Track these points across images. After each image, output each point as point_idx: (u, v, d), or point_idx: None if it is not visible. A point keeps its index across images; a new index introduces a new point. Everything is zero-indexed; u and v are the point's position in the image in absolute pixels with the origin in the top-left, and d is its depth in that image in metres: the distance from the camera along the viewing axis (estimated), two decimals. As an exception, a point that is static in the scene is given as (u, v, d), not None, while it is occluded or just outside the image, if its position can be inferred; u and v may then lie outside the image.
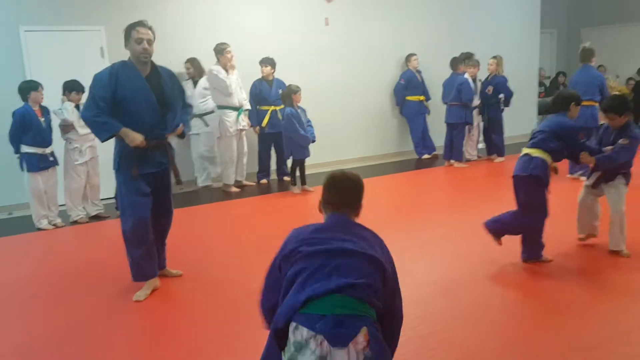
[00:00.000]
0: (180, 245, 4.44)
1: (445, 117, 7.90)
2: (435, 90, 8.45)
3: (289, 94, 6.27)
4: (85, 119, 3.41)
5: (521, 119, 9.91)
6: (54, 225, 5.51)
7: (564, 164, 4.85)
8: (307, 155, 6.46)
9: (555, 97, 4.04)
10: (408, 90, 8.44)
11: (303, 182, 6.56)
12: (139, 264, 3.56)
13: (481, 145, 8.47)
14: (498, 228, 3.93)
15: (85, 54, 6.44)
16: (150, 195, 3.57)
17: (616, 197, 3.95)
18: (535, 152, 3.77)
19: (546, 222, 3.85)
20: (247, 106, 6.76)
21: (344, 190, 2.12)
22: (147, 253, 3.55)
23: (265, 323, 2.10)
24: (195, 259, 4.31)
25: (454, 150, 7.81)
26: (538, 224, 3.83)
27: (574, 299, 3.35)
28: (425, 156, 8.56)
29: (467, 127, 7.90)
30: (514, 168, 3.92)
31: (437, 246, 4.41)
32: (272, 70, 6.87)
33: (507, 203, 4.11)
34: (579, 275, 3.74)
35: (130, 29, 3.44)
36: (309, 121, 6.50)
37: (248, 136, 7.03)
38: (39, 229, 5.43)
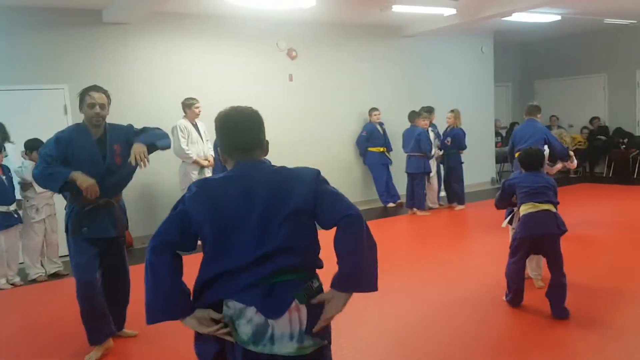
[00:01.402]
0: (136, 303, 4.37)
1: (405, 166, 8.13)
2: (397, 141, 8.72)
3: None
4: (35, 176, 3.40)
5: (480, 168, 10.29)
6: (12, 284, 5.37)
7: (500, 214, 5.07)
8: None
9: (529, 156, 4.13)
10: (370, 142, 8.72)
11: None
12: (90, 326, 3.50)
13: (443, 194, 8.70)
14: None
15: (49, 112, 6.48)
16: (98, 256, 3.53)
17: None
18: (553, 208, 3.86)
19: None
20: (210, 159, 6.84)
21: (247, 130, 1.91)
22: (95, 315, 3.47)
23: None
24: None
25: (415, 199, 8.00)
26: None
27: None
28: (390, 204, 8.73)
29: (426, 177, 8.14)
30: (531, 226, 3.82)
31: (405, 294, 4.48)
32: None
33: (470, 253, 4.20)
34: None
35: (84, 94, 3.46)
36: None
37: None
38: (-2, 289, 5.29)
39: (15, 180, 5.46)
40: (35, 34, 6.49)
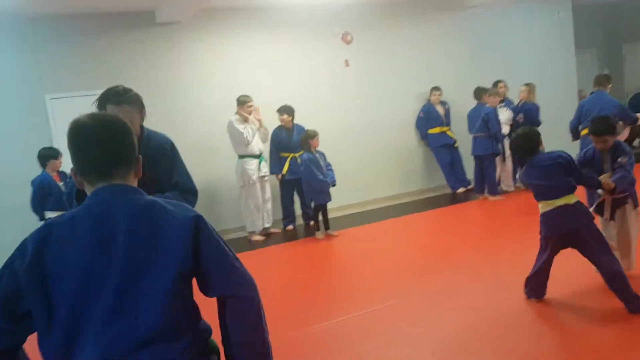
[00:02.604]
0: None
1: (471, 149, 7.60)
2: (464, 122, 8.19)
3: (306, 139, 6.23)
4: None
5: (561, 144, 9.39)
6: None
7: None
8: (328, 199, 6.33)
9: (527, 139, 3.61)
10: (429, 123, 8.28)
11: (326, 227, 6.41)
12: None
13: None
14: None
15: (108, 115, 6.63)
16: None
17: (635, 221, 3.71)
18: (570, 199, 3.43)
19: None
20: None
21: (104, 141, 1.39)
22: None
23: None
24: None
25: (486, 183, 7.46)
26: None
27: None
28: (460, 189, 8.25)
29: (498, 158, 7.55)
30: (550, 226, 3.49)
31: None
32: (290, 118, 6.85)
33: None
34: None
35: (101, 105, 2.65)
36: (328, 165, 6.40)
37: (271, 183, 7.01)
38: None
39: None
40: (82, 41, 6.63)
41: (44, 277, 1.26)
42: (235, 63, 7.36)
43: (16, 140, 6.13)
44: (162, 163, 2.68)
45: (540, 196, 3.53)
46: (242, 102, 6.52)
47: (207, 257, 1.35)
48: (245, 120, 6.53)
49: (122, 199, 1.36)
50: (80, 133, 1.41)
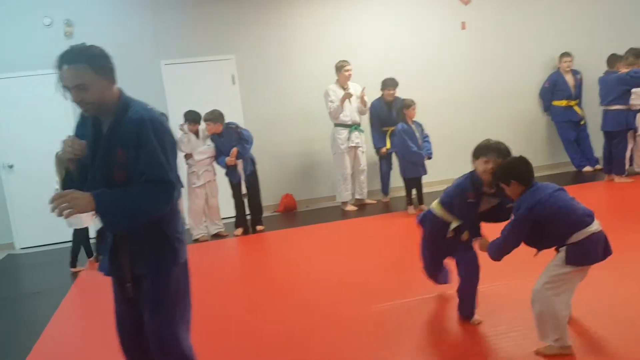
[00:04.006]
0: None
1: (601, 124, 6.66)
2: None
3: (401, 109, 5.95)
4: None
5: None
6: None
7: None
8: (422, 173, 6.02)
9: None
10: (554, 94, 7.42)
11: (420, 202, 6.14)
12: None
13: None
14: None
15: (218, 82, 6.94)
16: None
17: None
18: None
19: None
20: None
21: None
22: None
23: None
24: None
25: (613, 162, 6.54)
26: None
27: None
28: (587, 169, 7.36)
29: (630, 134, 6.54)
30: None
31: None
32: (394, 92, 6.58)
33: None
34: None
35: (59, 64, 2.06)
36: (425, 137, 6.07)
37: (370, 154, 6.87)
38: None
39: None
40: (199, 6, 6.86)
41: None
42: (342, 25, 7.20)
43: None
44: (131, 149, 2.07)
45: None
46: (340, 68, 6.40)
47: None
48: (342, 87, 6.41)
49: None
50: None
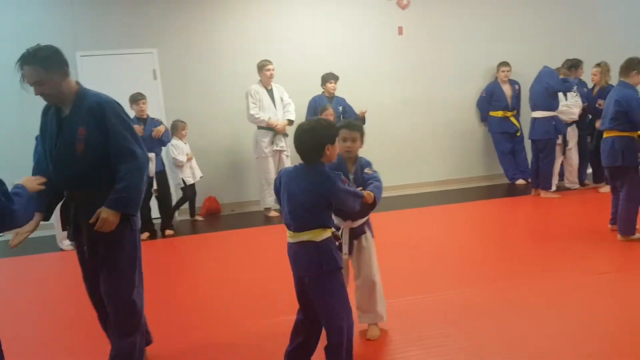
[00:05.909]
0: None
1: (529, 132, 6.46)
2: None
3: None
4: None
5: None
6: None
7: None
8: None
9: None
10: (491, 104, 7.26)
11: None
12: None
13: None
14: None
15: (138, 76, 6.61)
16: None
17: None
18: None
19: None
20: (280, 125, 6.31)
21: None
22: None
23: None
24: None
25: (540, 177, 6.36)
26: None
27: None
28: (520, 181, 7.21)
29: (558, 147, 6.39)
30: None
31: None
32: (335, 86, 6.50)
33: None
34: None
35: (21, 65, 2.44)
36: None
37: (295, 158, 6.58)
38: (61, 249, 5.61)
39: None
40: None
41: None
42: (269, 23, 6.95)
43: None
44: (92, 128, 2.49)
45: None
46: (261, 67, 6.21)
47: None
48: (265, 87, 6.17)
49: None
50: None
